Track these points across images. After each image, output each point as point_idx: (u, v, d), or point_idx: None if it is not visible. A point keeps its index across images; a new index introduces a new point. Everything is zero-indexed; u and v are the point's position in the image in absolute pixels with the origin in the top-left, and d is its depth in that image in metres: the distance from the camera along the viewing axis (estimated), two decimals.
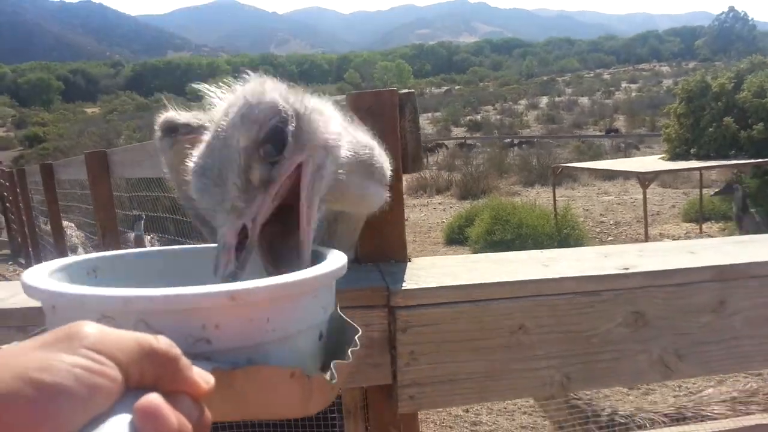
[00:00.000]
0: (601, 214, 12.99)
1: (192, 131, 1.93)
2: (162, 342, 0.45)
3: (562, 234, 9.51)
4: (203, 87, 0.83)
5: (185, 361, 0.46)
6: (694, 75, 11.18)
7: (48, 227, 6.34)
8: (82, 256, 0.75)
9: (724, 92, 10.45)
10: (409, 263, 1.14)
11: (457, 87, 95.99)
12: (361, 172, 0.93)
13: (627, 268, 1.09)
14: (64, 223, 5.95)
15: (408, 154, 1.09)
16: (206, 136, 0.80)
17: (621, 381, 1.09)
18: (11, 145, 56.14)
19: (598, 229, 11.33)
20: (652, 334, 1.08)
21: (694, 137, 9.93)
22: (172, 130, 1.95)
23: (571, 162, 19.08)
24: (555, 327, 1.06)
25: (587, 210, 13.43)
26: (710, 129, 9.82)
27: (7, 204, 13.31)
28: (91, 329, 0.42)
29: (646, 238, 8.56)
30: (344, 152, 0.85)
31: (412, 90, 1.12)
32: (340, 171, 0.84)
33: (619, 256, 1.16)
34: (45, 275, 0.64)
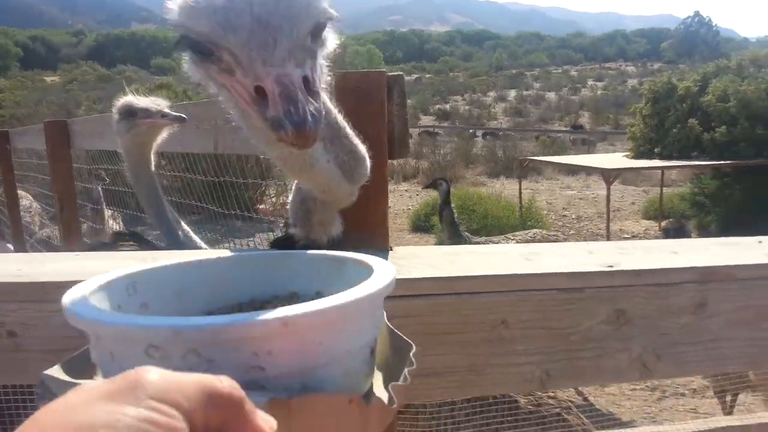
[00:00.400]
0: (563, 208, 13.20)
1: (150, 116, 1.90)
2: (225, 384, 0.43)
3: (527, 226, 9.61)
4: None
5: (249, 404, 0.44)
6: (661, 76, 11.39)
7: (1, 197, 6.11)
8: (119, 272, 0.72)
9: (689, 95, 10.67)
10: (390, 252, 1.10)
11: (427, 75, 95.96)
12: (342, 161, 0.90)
13: (611, 266, 1.07)
14: (20, 193, 5.74)
15: (395, 138, 1.05)
16: None
17: (601, 379, 1.08)
18: None
19: (560, 223, 11.51)
20: (632, 333, 1.07)
21: (659, 137, 10.13)
22: (131, 114, 1.92)
23: (537, 155, 19.37)
24: (537, 323, 1.03)
25: (550, 203, 13.63)
26: (674, 130, 10.03)
27: None
28: (154, 376, 0.40)
29: (608, 234, 8.73)
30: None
31: (401, 72, 1.07)
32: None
33: (602, 253, 1.15)
34: (86, 298, 0.62)
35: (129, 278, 0.72)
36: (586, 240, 10.11)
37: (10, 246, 6.28)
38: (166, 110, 1.93)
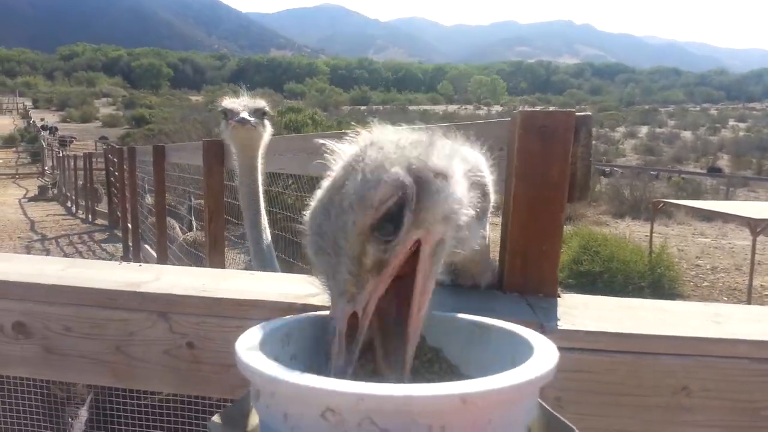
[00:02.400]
0: (696, 257, 12.26)
1: (233, 117, 2.11)
2: None
3: (656, 273, 9.02)
4: (326, 141, 0.75)
5: None
6: None
7: (149, 205, 6.66)
8: (279, 322, 0.75)
9: None
10: (559, 300, 1.05)
11: (552, 108, 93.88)
12: (475, 221, 0.81)
13: None
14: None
15: (576, 182, 1.00)
16: (334, 173, 0.72)
17: None
18: (119, 123, 59.98)
19: (693, 273, 10.69)
20: None
21: None
22: (225, 114, 2.18)
23: (669, 198, 18.20)
24: (722, 393, 0.94)
25: (681, 250, 12.72)
26: None
27: (112, 178, 14.16)
28: None
29: (750, 290, 7.98)
30: (464, 217, 0.74)
31: (589, 113, 1.03)
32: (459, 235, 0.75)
33: None
34: (257, 349, 0.64)
35: (285, 328, 0.74)
36: (721, 293, 9.32)
37: (153, 251, 6.81)
38: (244, 114, 2.06)
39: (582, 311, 1.00)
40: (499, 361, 0.71)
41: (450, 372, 0.78)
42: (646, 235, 10.70)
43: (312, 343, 0.76)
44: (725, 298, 9.04)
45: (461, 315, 0.82)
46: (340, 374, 0.68)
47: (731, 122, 67.92)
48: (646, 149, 42.78)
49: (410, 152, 0.70)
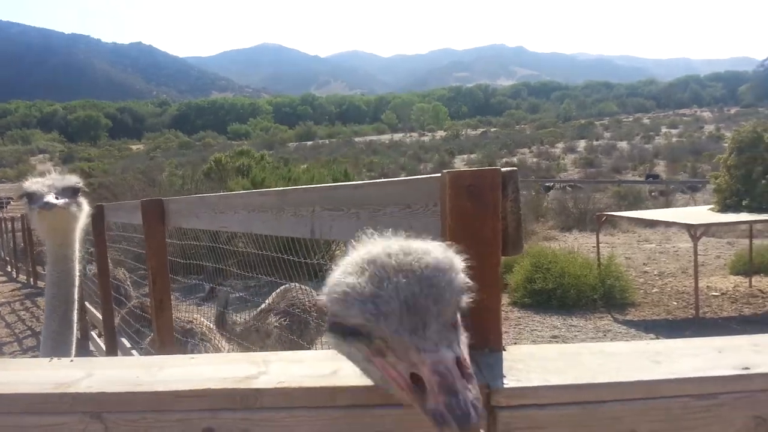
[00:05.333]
0: (644, 263, 12.63)
1: (36, 201, 1.86)
2: None
3: (606, 285, 9.22)
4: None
5: None
6: (745, 125, 10.88)
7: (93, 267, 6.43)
8: None
9: None
10: (504, 353, 1.05)
11: (493, 129, 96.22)
12: None
13: (747, 368, 0.99)
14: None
15: (508, 236, 1.01)
16: (349, 266, 0.79)
17: None
18: None
19: (641, 280, 10.98)
20: None
21: (746, 188, 9.62)
22: (28, 198, 1.92)
23: (612, 208, 18.73)
24: None
25: (629, 258, 13.07)
26: (763, 181, 9.51)
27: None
28: None
29: (696, 294, 8.23)
30: None
31: (515, 168, 1.05)
32: None
33: (734, 351, 1.06)
34: None
35: None
36: (670, 298, 9.59)
37: (98, 313, 6.55)
38: (49, 197, 1.79)
39: (527, 364, 1.01)
40: None
41: None
42: (594, 246, 10.95)
43: None
44: (674, 303, 9.31)
45: None
46: (478, 403, 0.69)
47: (664, 129, 70.89)
48: (586, 162, 44.13)
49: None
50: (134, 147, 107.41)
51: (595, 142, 58.19)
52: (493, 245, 1.00)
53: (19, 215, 18.12)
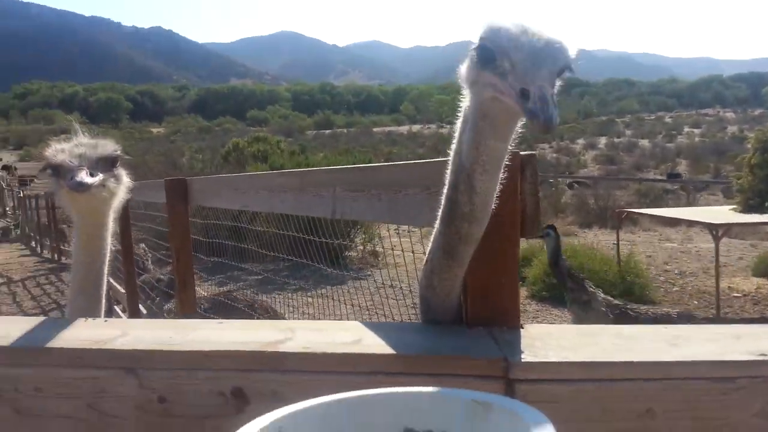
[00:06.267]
0: (664, 262, 12.52)
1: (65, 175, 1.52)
2: None
3: (626, 282, 9.17)
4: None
5: None
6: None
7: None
8: (267, 418, 0.73)
9: None
10: (522, 331, 1.08)
11: None
12: None
13: (764, 354, 1.00)
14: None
15: (527, 217, 1.04)
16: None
17: None
18: None
19: (662, 278, 10.91)
20: None
21: None
22: (54, 172, 1.52)
23: (633, 206, 18.57)
24: (684, 413, 0.97)
25: (650, 257, 12.97)
26: None
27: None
28: None
29: (717, 294, 8.16)
30: None
31: (534, 152, 1.08)
32: None
33: (752, 338, 1.07)
34: None
35: (276, 424, 0.73)
36: (691, 297, 9.53)
37: (121, 288, 6.67)
38: (81, 174, 1.40)
39: (545, 342, 1.03)
40: None
41: None
42: (614, 243, 10.90)
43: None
44: (695, 302, 9.24)
45: (463, 391, 0.81)
46: (556, 116, 0.89)
47: (686, 129, 69.94)
48: (606, 159, 43.71)
49: None
50: (155, 130, 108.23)
51: (616, 140, 57.58)
52: (512, 225, 1.03)
53: (42, 193, 18.41)
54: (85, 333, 1.10)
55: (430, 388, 0.82)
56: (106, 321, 1.18)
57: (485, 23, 1.03)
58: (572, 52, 1.04)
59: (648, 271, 10.45)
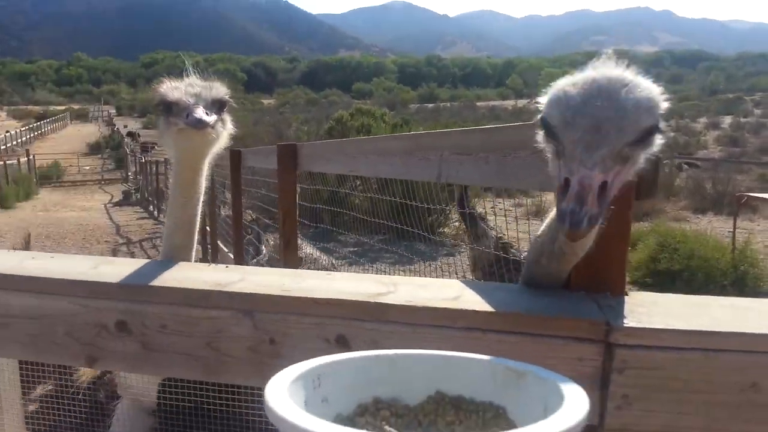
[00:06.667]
0: None
1: (180, 114, 1.47)
2: None
3: (739, 271, 8.57)
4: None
5: None
6: None
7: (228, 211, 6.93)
8: (310, 364, 0.76)
9: None
10: (627, 297, 1.07)
11: None
12: None
13: None
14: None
15: (643, 179, 1.02)
16: (574, 80, 0.90)
17: None
18: None
19: None
20: None
21: None
22: (167, 109, 1.52)
23: (754, 190, 17.14)
24: None
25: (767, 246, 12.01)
26: None
27: None
28: None
29: None
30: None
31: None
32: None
33: None
34: (286, 395, 0.65)
35: (316, 371, 0.75)
36: None
37: (230, 253, 7.08)
38: (198, 112, 1.40)
39: (649, 309, 1.02)
40: (533, 407, 0.71)
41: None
42: (730, 231, 10.18)
43: (345, 383, 0.77)
44: None
45: (499, 360, 0.81)
46: (594, 219, 0.82)
47: None
48: (729, 140, 40.53)
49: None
50: (266, 101, 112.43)
51: (742, 119, 53.16)
52: (626, 187, 1.01)
53: (163, 159, 19.73)
54: (209, 275, 1.21)
55: (467, 354, 0.81)
56: (227, 267, 1.28)
57: (551, 88, 0.92)
58: (658, 109, 0.88)
59: (764, 261, 9.70)
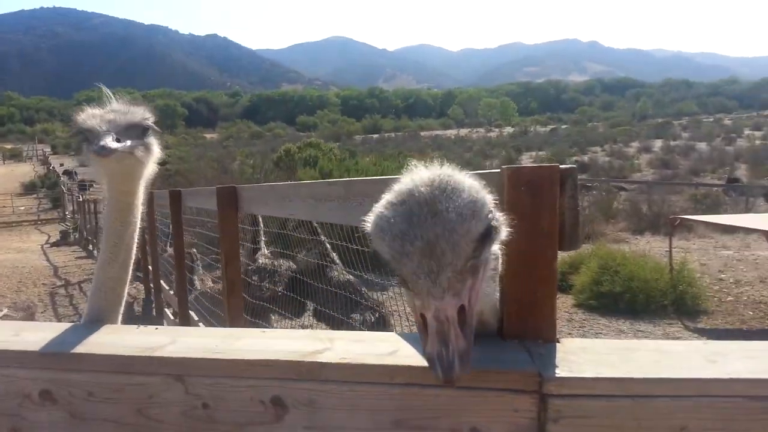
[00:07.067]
0: (719, 271, 12.09)
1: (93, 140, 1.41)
2: None
3: (678, 291, 8.91)
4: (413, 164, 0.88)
5: None
6: None
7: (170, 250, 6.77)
8: None
9: None
10: (558, 344, 1.08)
11: (563, 126, 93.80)
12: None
13: None
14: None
15: (565, 232, 1.05)
16: (392, 196, 0.83)
17: None
18: None
19: (716, 287, 10.53)
20: None
21: None
22: (83, 138, 1.46)
23: (688, 212, 17.96)
24: None
25: (704, 264, 12.54)
26: None
27: None
28: None
29: None
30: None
31: (574, 165, 1.08)
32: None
33: None
34: None
35: None
36: (746, 307, 9.17)
37: (172, 292, 6.88)
38: (106, 139, 1.36)
39: (579, 356, 1.04)
40: None
41: None
42: (667, 251, 10.60)
43: None
44: (750, 312, 8.90)
45: None
46: (465, 356, 0.76)
47: (746, 131, 67.20)
48: (661, 163, 42.43)
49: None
50: (208, 136, 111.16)
51: (672, 143, 55.82)
52: (549, 240, 1.03)
53: (101, 197, 19.20)
54: (137, 339, 1.17)
55: None
56: (156, 329, 1.24)
57: (375, 208, 0.84)
58: (486, 208, 0.84)
59: (702, 279, 10.12)
